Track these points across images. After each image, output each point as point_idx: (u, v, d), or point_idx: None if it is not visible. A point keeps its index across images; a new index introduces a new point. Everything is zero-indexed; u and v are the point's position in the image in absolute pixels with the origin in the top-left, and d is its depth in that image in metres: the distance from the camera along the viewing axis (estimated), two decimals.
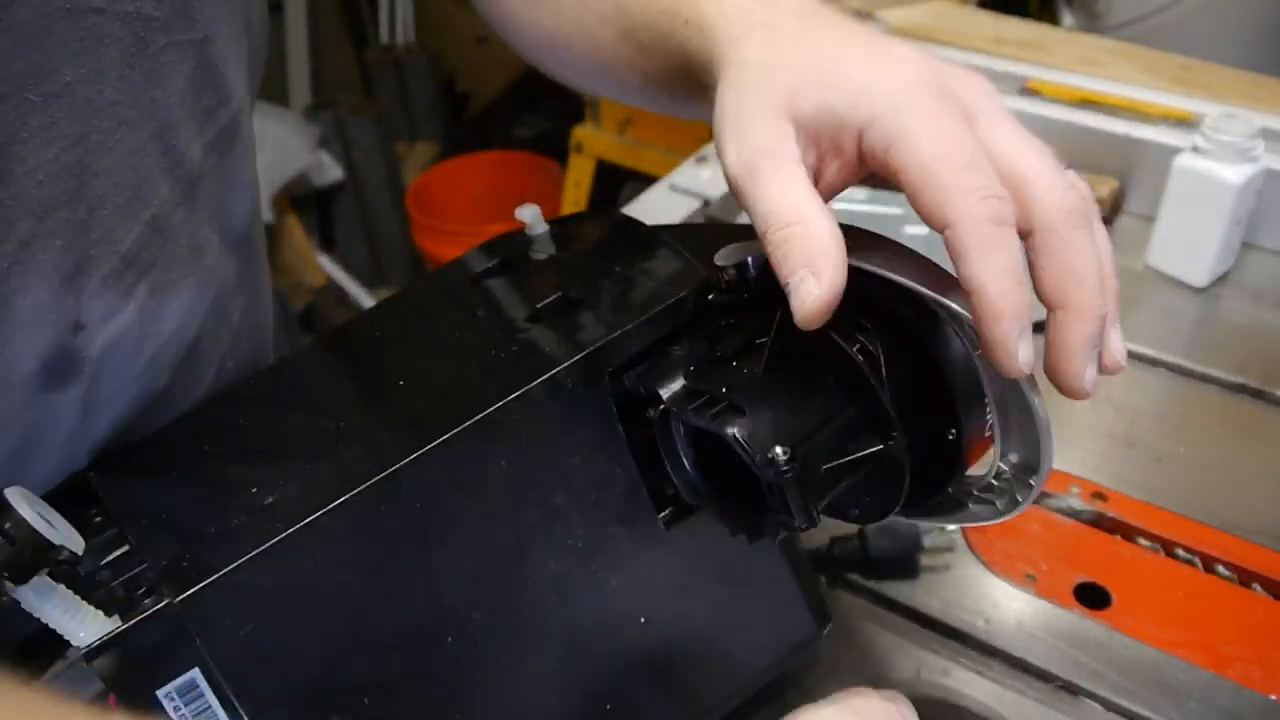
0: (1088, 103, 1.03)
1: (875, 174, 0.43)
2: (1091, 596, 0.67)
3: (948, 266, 0.40)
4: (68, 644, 0.41)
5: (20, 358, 0.44)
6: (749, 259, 0.47)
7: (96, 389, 0.48)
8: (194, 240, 0.51)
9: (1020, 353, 0.38)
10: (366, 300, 2.40)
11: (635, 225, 0.55)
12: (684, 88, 0.52)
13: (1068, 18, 1.73)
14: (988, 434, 0.44)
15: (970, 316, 0.39)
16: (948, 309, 0.41)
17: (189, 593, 0.40)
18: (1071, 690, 0.62)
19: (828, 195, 0.43)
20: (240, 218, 0.55)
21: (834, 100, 0.42)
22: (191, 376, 0.54)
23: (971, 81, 0.43)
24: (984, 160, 0.40)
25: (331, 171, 2.42)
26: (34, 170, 0.42)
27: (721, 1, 0.48)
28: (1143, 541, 0.71)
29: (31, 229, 0.43)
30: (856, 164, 0.43)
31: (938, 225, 0.39)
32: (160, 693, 0.41)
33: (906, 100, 0.40)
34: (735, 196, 0.44)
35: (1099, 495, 0.73)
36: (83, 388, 0.47)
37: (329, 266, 2.44)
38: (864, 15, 1.13)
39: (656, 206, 1.03)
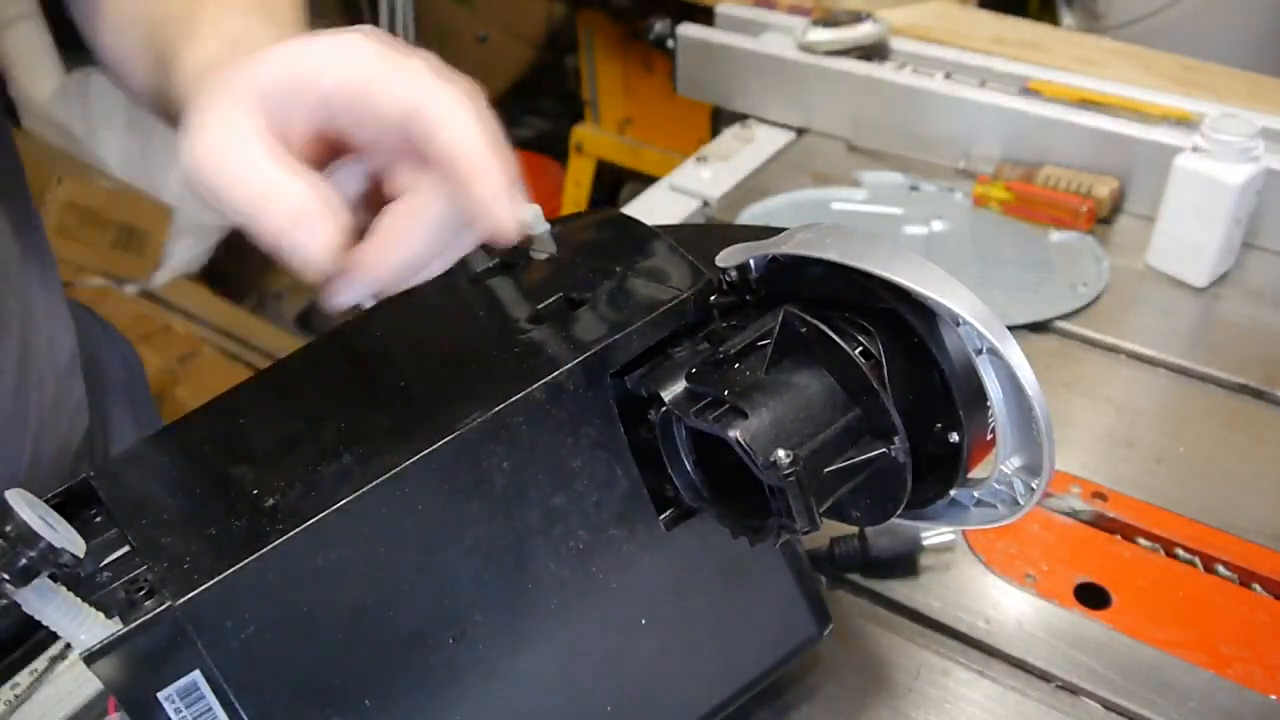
0: (1088, 103, 1.03)
1: (338, 129, 0.42)
2: (1091, 596, 0.67)
3: (948, 267, 0.40)
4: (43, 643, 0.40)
5: None
6: (751, 260, 0.47)
7: None
8: None
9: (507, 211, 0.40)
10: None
11: (636, 225, 0.55)
12: None
13: (1068, 18, 1.73)
14: (989, 437, 0.44)
15: (974, 320, 0.39)
16: (948, 309, 0.41)
17: (190, 595, 0.40)
18: (1071, 690, 0.62)
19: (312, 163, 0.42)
20: None
21: (292, 70, 0.41)
22: None
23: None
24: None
25: None
26: None
27: (195, 57, 0.49)
28: (1143, 541, 0.71)
29: None
30: (312, 131, 0.42)
31: (399, 114, 0.40)
32: (161, 695, 0.41)
33: (357, 41, 0.41)
34: (206, 202, 0.41)
35: (1099, 495, 0.73)
36: None
37: None
38: (864, 15, 1.13)
39: (656, 206, 1.03)
